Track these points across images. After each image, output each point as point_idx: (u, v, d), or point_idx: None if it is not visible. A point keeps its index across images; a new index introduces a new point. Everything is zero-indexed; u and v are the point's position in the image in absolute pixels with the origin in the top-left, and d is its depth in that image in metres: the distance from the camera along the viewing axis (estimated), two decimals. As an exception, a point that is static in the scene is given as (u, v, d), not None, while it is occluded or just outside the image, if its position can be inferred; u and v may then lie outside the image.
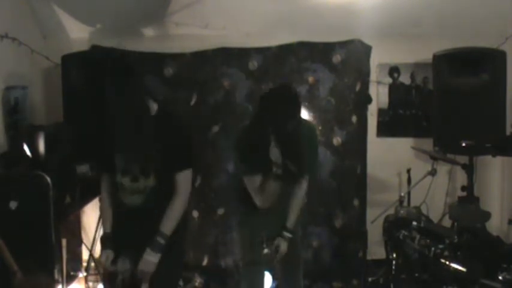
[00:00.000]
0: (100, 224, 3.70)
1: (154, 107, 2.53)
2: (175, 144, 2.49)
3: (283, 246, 2.83)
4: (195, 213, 4.10)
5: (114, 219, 2.64)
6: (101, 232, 3.67)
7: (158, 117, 2.52)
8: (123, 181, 2.52)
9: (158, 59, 4.08)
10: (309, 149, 2.82)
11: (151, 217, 2.51)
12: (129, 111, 2.43)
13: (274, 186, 2.70)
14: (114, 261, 2.57)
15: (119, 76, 2.44)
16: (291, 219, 2.86)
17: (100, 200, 2.71)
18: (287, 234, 2.84)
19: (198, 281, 4.02)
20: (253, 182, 2.75)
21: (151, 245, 2.47)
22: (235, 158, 2.93)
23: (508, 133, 3.81)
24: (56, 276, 3.03)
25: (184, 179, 2.55)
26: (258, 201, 2.76)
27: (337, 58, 4.08)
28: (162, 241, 2.48)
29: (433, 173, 3.71)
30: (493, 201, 4.30)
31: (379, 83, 4.39)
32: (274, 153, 2.61)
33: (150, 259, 2.47)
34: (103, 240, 2.65)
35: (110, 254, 2.58)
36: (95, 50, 3.99)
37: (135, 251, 2.52)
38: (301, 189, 2.88)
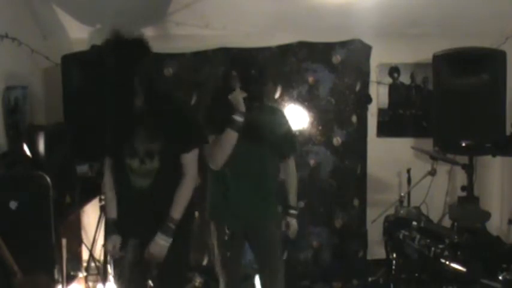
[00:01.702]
0: (100, 224, 3.71)
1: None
2: (177, 126, 2.49)
3: (294, 223, 2.94)
4: (195, 213, 4.10)
5: (123, 204, 2.63)
6: (101, 232, 3.69)
7: (158, 100, 2.52)
8: (131, 163, 2.53)
9: (158, 59, 4.07)
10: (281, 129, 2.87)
11: (158, 200, 2.52)
12: (127, 97, 2.44)
13: (231, 135, 2.61)
14: (121, 247, 2.58)
15: (118, 60, 2.43)
16: (293, 197, 2.96)
17: (103, 185, 2.71)
18: (293, 212, 2.95)
19: (198, 281, 4.01)
20: (213, 141, 2.67)
21: (162, 229, 2.48)
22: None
23: (508, 133, 3.81)
24: (56, 276, 3.03)
25: (190, 161, 2.55)
26: (212, 158, 2.67)
27: (337, 58, 4.08)
28: (172, 226, 2.50)
29: (433, 173, 3.71)
30: (493, 201, 4.31)
31: (379, 83, 4.39)
32: (235, 96, 2.61)
33: (161, 243, 2.48)
34: (109, 225, 2.65)
35: (118, 239, 2.58)
36: (95, 50, 3.99)
37: (143, 235, 2.53)
38: (291, 167, 2.96)
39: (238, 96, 2.61)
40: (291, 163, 2.97)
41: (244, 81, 2.66)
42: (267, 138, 2.79)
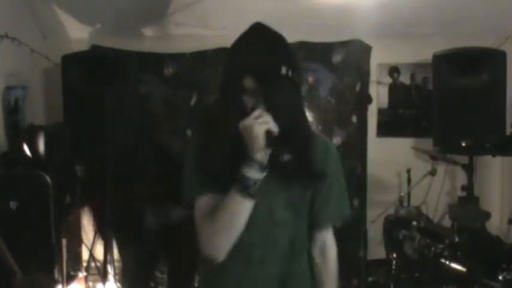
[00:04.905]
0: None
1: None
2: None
3: None
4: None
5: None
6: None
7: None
8: None
9: (158, 59, 4.08)
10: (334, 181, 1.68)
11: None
12: None
13: (238, 205, 1.40)
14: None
15: None
16: None
17: None
18: None
19: (198, 281, 4.01)
20: (206, 204, 1.47)
21: None
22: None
23: (508, 133, 3.81)
24: (56, 276, 3.03)
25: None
26: (205, 244, 1.46)
27: (337, 58, 4.08)
28: None
29: (433, 173, 3.71)
30: (493, 201, 4.30)
31: (379, 83, 4.38)
32: (251, 126, 1.35)
33: None
34: None
35: None
36: (95, 50, 3.99)
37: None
38: (331, 255, 1.68)
39: (254, 128, 1.34)
40: (330, 241, 1.70)
41: (271, 93, 1.39)
42: (311, 197, 1.60)
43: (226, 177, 1.40)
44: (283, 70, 1.39)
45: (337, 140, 4.11)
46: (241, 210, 1.39)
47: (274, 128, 1.34)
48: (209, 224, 1.43)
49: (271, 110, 1.36)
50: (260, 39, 1.46)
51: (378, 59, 4.25)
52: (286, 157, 1.36)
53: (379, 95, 4.40)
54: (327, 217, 1.65)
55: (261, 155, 1.35)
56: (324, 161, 1.59)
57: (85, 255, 3.91)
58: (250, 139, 1.34)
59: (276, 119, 1.36)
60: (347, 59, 4.07)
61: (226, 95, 1.48)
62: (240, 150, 1.38)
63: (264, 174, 1.37)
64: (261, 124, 1.33)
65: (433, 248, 2.99)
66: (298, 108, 1.51)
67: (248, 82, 1.40)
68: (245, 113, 1.38)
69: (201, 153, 1.50)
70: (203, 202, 1.47)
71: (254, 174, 1.36)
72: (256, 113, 1.36)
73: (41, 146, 3.23)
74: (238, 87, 1.42)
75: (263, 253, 1.52)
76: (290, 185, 1.50)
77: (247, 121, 1.35)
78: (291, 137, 1.40)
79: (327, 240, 1.67)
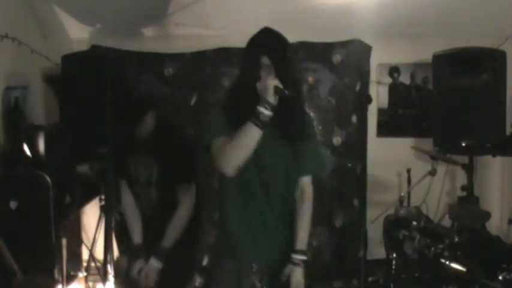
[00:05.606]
0: (100, 224, 3.71)
1: (150, 120, 2.65)
2: (174, 158, 2.58)
3: (298, 276, 2.15)
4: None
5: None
6: (101, 232, 3.69)
7: (157, 131, 2.61)
8: (136, 189, 2.69)
9: (158, 59, 4.08)
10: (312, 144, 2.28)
11: (158, 226, 2.65)
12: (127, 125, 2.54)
13: (252, 132, 2.00)
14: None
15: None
16: (301, 237, 2.19)
17: (123, 209, 2.83)
18: (299, 257, 2.16)
19: (198, 281, 4.01)
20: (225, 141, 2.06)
21: (155, 254, 2.64)
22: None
23: (508, 133, 3.81)
24: (56, 276, 3.03)
25: (183, 192, 2.66)
26: (223, 159, 2.04)
27: (337, 58, 4.08)
28: (163, 252, 2.64)
29: (433, 173, 3.71)
30: (493, 201, 4.30)
31: (379, 83, 4.39)
32: (264, 83, 2.01)
33: (153, 264, 2.64)
34: (136, 251, 2.74)
35: (143, 264, 2.70)
36: (95, 50, 3.99)
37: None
38: (307, 195, 2.28)
39: (267, 83, 1.99)
40: (308, 186, 2.28)
41: (279, 67, 2.06)
42: (299, 144, 2.21)
43: (243, 119, 2.00)
44: (288, 53, 2.12)
45: (337, 140, 4.11)
46: (252, 135, 2.00)
47: (280, 85, 1.97)
48: (228, 145, 2.01)
49: (279, 77, 2.00)
50: (271, 33, 2.21)
51: (378, 59, 4.25)
52: (286, 93, 1.98)
53: (379, 95, 4.40)
54: (306, 166, 2.25)
55: (271, 98, 1.98)
56: (306, 124, 2.23)
57: (85, 255, 3.91)
58: (264, 90, 1.99)
59: (281, 83, 1.98)
60: (347, 59, 4.07)
61: (246, 71, 2.14)
62: (253, 99, 2.01)
63: (271, 113, 1.98)
64: (272, 81, 1.98)
65: (433, 248, 2.99)
66: (296, 79, 2.24)
67: (264, 60, 2.07)
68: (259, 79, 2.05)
69: (222, 112, 2.15)
70: (221, 139, 2.05)
71: (265, 110, 1.98)
72: (269, 76, 2.01)
73: (41, 146, 3.23)
74: (257, 63, 2.07)
75: (262, 190, 2.16)
76: (279, 142, 2.14)
77: (263, 80, 2.01)
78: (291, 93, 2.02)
79: (306, 185, 2.26)
